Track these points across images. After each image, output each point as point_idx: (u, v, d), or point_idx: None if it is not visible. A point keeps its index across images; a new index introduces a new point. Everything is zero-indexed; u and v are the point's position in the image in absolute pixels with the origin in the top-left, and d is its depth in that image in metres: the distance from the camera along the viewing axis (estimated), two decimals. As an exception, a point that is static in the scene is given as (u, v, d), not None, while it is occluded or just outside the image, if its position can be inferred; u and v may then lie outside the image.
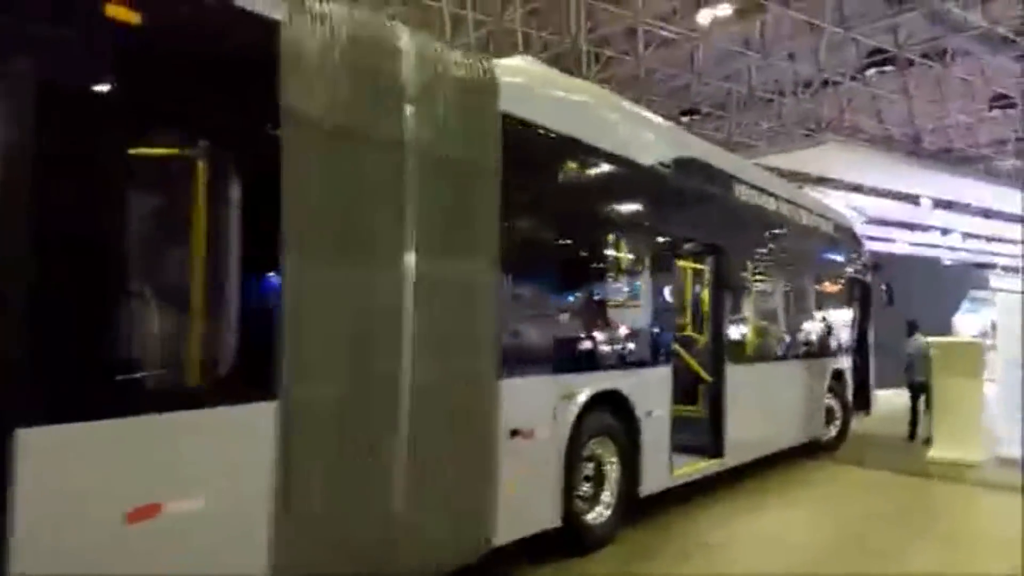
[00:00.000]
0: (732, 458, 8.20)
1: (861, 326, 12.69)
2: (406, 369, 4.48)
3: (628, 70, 25.88)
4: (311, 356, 3.94)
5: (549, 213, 5.87)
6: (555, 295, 5.84)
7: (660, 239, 7.14)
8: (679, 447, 8.15)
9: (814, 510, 7.77)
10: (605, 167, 6.45)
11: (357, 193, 4.25)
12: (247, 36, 3.90)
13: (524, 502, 5.44)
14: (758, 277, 9.10)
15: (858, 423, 12.36)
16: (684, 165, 7.56)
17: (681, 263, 8.90)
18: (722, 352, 8.17)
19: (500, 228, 5.12)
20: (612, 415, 6.44)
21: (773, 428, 9.22)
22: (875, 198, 29.69)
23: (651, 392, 6.89)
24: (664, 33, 22.44)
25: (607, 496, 6.43)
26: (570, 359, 5.98)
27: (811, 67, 24.14)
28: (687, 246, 8.34)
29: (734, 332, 8.52)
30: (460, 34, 22.75)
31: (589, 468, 6.37)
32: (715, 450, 8.08)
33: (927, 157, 29.11)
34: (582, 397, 5.96)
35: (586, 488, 6.32)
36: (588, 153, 6.21)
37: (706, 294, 8.50)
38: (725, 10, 20.65)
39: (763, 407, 8.92)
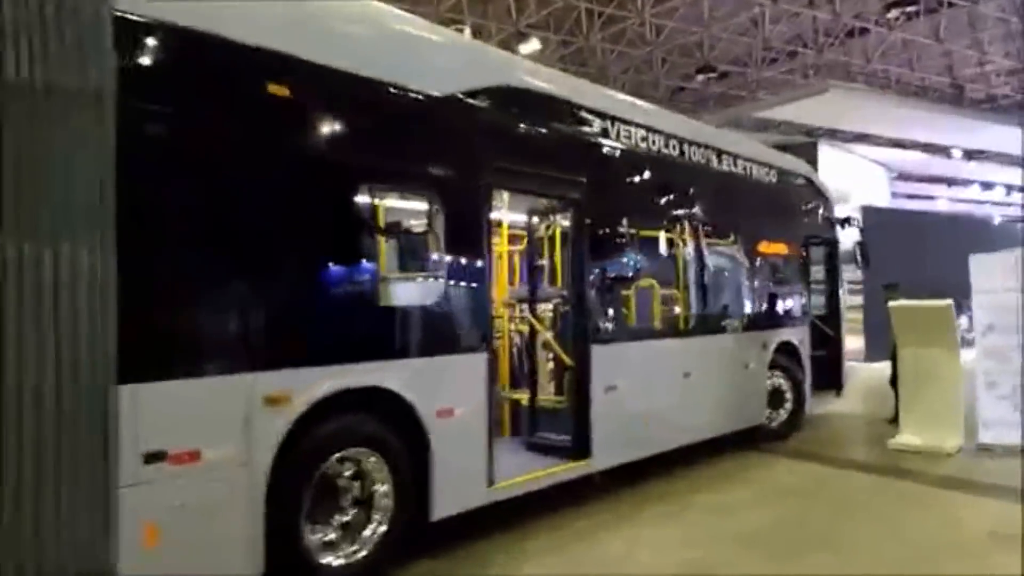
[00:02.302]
0: (604, 459, 6.55)
1: (830, 291, 10.78)
2: None
3: (635, 28, 24.12)
4: None
5: (234, 151, 4.26)
6: (247, 261, 4.27)
7: (459, 189, 5.47)
8: (544, 447, 6.64)
9: (693, 526, 6.05)
10: (342, 95, 4.80)
11: None
12: None
13: (187, 548, 3.93)
14: (646, 236, 7.34)
15: (827, 404, 10.56)
16: (504, 96, 5.87)
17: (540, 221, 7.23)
18: (585, 329, 6.49)
19: (126, 172, 3.57)
20: (379, 420, 4.87)
21: (678, 419, 7.49)
22: (900, 150, 27.14)
23: (450, 387, 5.29)
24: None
25: (372, 528, 4.84)
26: (285, 349, 4.40)
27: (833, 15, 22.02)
28: (528, 200, 6.69)
29: (608, 304, 6.81)
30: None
31: (355, 489, 4.83)
32: (579, 450, 6.44)
33: (964, 105, 26.50)
34: (304, 400, 4.39)
35: (349, 516, 4.79)
36: (307, 77, 4.55)
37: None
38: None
39: (658, 394, 7.21)
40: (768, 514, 6.30)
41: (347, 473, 4.80)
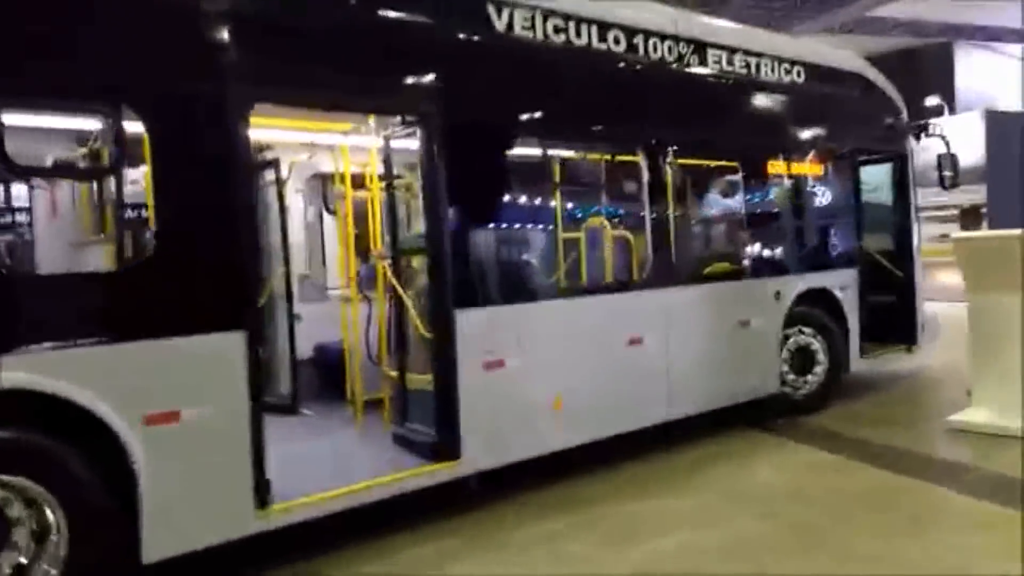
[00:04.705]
0: (481, 458, 4.87)
1: (900, 220, 8.32)
2: None
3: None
4: None
5: None
6: None
7: (183, 101, 3.82)
8: (410, 442, 5.05)
9: (566, 561, 4.27)
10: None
11: None
12: None
13: None
14: (561, 160, 5.44)
15: (897, 362, 8.25)
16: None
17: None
18: (443, 288, 4.74)
19: None
20: (44, 433, 3.44)
21: (617, 399, 5.61)
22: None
23: (170, 382, 3.75)
24: None
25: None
26: None
27: None
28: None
29: (490, 253, 5.02)
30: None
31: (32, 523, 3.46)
32: (445, 447, 4.77)
33: None
34: None
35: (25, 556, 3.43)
36: None
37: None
38: None
39: (581, 368, 5.38)
40: (684, 541, 4.39)
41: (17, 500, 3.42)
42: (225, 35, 3.91)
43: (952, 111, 18.62)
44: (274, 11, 4.11)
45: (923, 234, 8.61)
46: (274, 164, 6.21)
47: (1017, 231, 6.06)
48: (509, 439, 4.99)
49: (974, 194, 13.68)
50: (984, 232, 6.67)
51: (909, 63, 20.16)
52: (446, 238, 4.71)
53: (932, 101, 17.00)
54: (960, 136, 13.34)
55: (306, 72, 4.21)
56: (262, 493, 3.99)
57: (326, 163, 6.34)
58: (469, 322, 4.76)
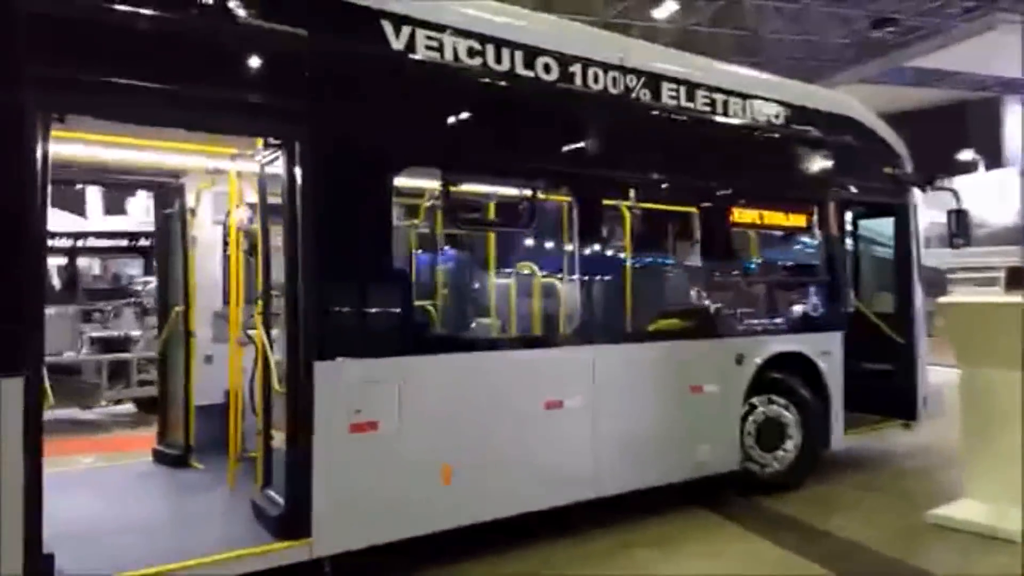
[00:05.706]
0: (336, 539, 4.12)
1: (901, 282, 7.39)
2: None
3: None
4: None
5: None
6: None
7: None
8: (264, 514, 4.34)
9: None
10: None
11: None
12: None
13: None
14: (462, 197, 4.77)
15: (895, 438, 7.29)
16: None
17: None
18: (296, 335, 4.06)
19: None
20: None
21: (527, 471, 4.82)
22: None
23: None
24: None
25: None
26: None
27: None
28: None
29: (365, 295, 4.33)
30: None
31: None
32: (294, 522, 4.04)
33: None
34: None
35: None
36: None
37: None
38: None
39: (480, 434, 4.64)
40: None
41: None
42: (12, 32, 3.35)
43: (999, 166, 17.49)
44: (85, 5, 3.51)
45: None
46: (179, 192, 5.67)
47: (1014, 298, 5.16)
48: (379, 516, 4.25)
49: (1013, 256, 12.62)
50: (974, 298, 5.73)
51: (955, 116, 19.13)
52: (306, 276, 4.05)
53: (966, 155, 15.90)
54: (994, 193, 12.38)
55: (127, 86, 3.60)
56: (38, 573, 3.32)
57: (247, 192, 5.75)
58: (332, 375, 4.07)
